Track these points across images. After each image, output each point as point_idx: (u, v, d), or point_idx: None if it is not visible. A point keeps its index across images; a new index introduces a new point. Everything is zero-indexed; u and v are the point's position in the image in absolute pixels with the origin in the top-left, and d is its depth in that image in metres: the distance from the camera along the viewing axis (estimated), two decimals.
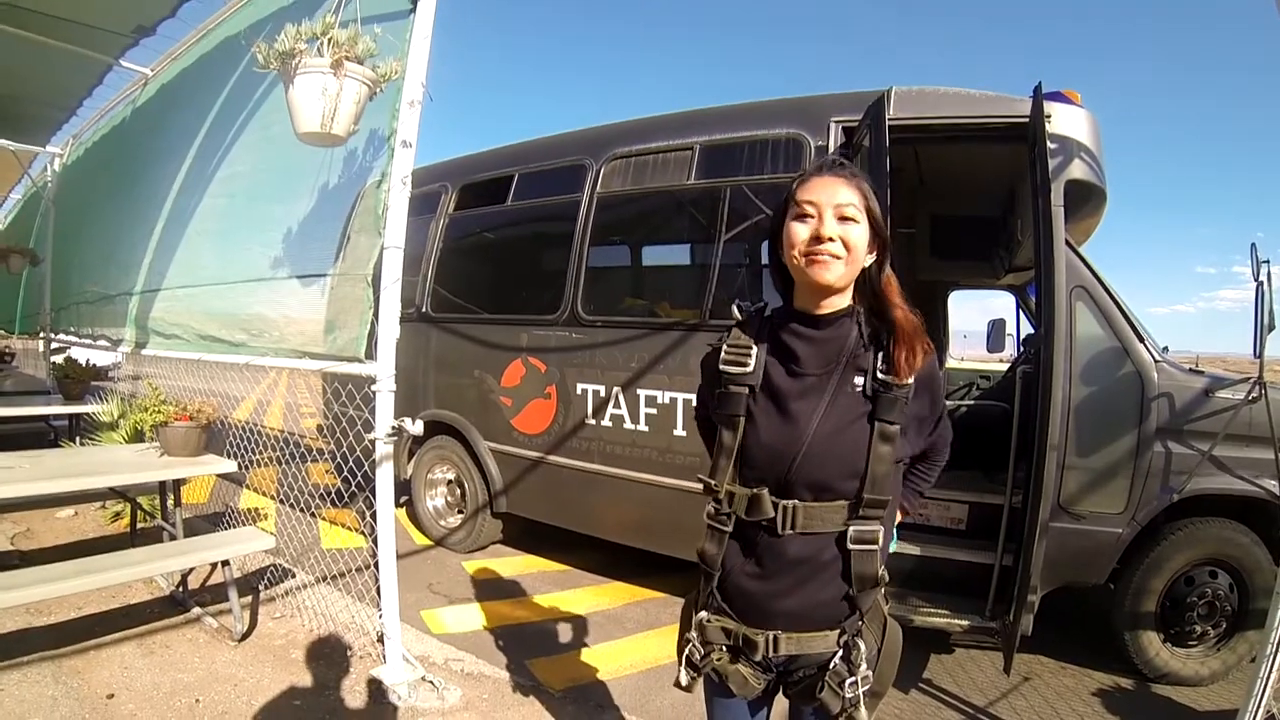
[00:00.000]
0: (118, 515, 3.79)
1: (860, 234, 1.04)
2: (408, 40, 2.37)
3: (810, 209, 1.04)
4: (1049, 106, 2.60)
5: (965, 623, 2.71)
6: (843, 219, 1.03)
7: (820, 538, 1.05)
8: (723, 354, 1.13)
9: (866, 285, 1.10)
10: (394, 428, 2.26)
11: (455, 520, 4.16)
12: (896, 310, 1.08)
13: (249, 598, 3.04)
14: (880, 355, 1.06)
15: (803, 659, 1.10)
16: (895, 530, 1.35)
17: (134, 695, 2.27)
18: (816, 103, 3.03)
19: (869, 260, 1.07)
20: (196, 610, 2.91)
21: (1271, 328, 2.71)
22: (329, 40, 2.30)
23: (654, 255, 3.96)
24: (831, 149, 2.86)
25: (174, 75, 3.82)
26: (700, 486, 1.14)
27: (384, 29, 2.44)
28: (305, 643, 2.72)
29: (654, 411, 3.18)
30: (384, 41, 2.41)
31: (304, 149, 2.55)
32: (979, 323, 4.29)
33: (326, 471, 5.29)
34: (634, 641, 3.05)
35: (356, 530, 3.74)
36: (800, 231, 1.04)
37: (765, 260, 1.17)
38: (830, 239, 1.01)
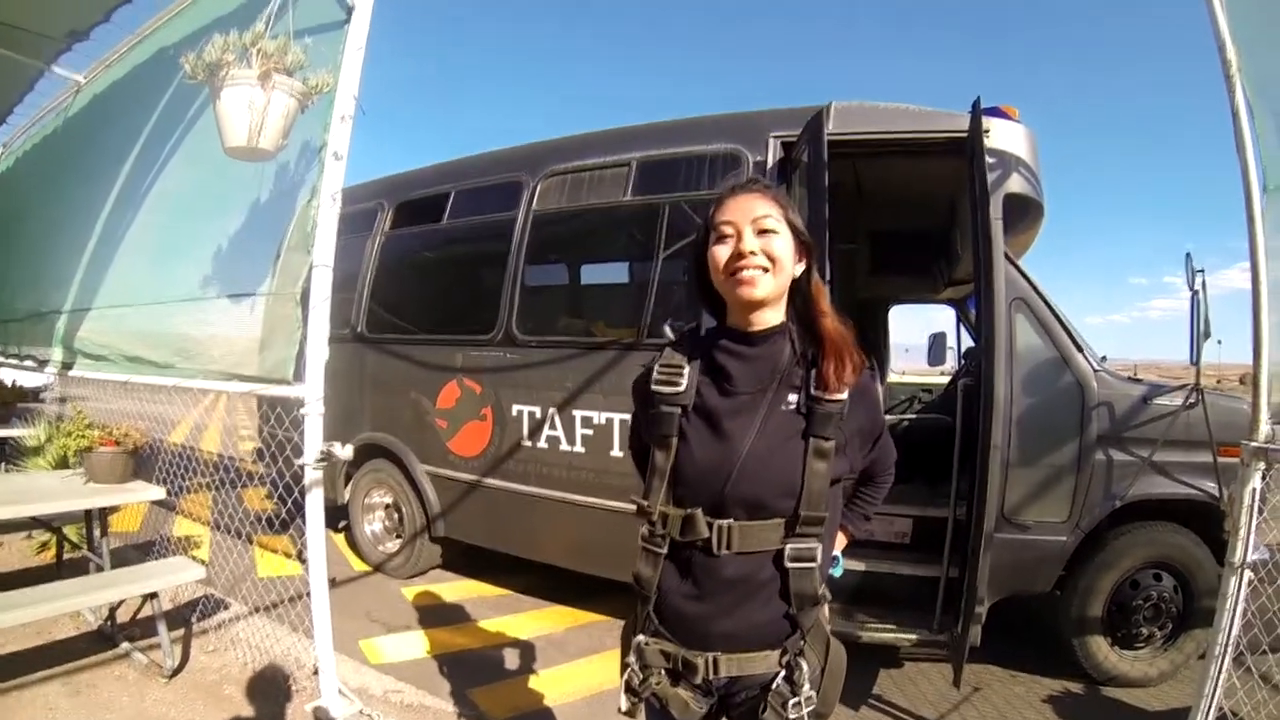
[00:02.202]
0: (44, 546, 3.61)
1: (783, 244, 1.04)
2: (341, 52, 2.30)
3: (729, 229, 1.04)
4: (987, 122, 2.65)
5: (913, 636, 2.72)
6: (762, 232, 1.03)
7: (757, 557, 1.04)
8: (654, 374, 1.12)
9: (797, 295, 1.10)
10: (323, 453, 2.17)
11: (394, 545, 4.07)
12: (825, 320, 1.08)
13: (180, 631, 2.92)
14: (813, 371, 1.06)
15: (744, 681, 1.08)
16: (840, 556, 1.32)
17: None
18: (755, 118, 3.03)
19: (798, 270, 1.08)
20: (125, 646, 2.79)
21: (1207, 335, 2.79)
22: (258, 51, 2.24)
23: (591, 273, 3.94)
24: (770, 164, 2.86)
25: (107, 85, 3.67)
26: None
27: (317, 40, 2.38)
28: (239, 678, 2.62)
29: (590, 432, 3.14)
30: (316, 53, 2.34)
31: (236, 164, 2.47)
32: (921, 336, 4.36)
33: (264, 496, 5.12)
34: (577, 667, 2.99)
35: (293, 557, 3.62)
36: (722, 253, 1.05)
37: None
38: (752, 252, 1.02)
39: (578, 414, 3.17)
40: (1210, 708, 1.93)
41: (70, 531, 3.32)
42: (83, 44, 3.70)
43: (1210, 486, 2.68)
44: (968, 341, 4.45)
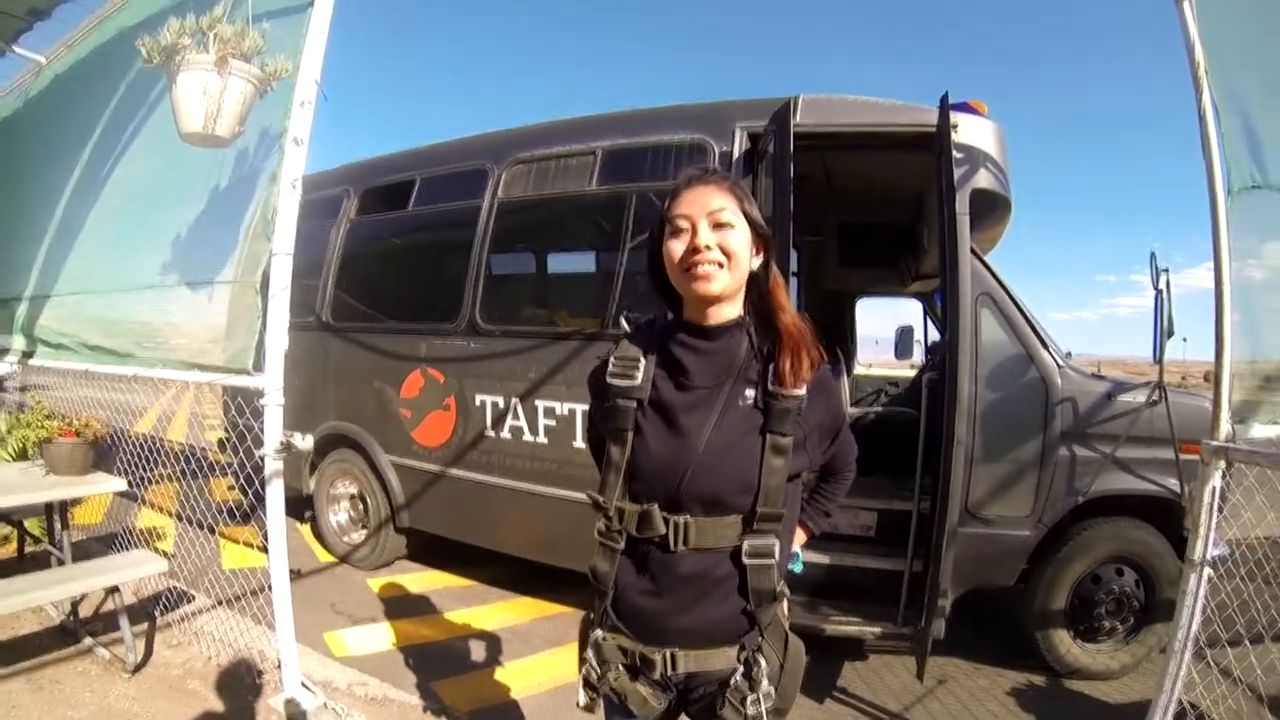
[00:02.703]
0: (5, 540, 3.54)
1: (739, 238, 1.02)
2: (303, 36, 2.26)
3: (684, 223, 1.02)
4: (955, 117, 2.65)
5: (877, 630, 2.74)
6: (718, 225, 1.01)
7: (714, 553, 1.03)
8: (610, 366, 1.10)
9: (754, 289, 1.08)
10: (283, 443, 2.15)
11: (359, 536, 4.05)
12: (784, 315, 1.07)
13: (144, 625, 2.87)
14: (771, 366, 1.04)
15: (702, 677, 1.07)
16: (799, 552, 1.32)
17: None
18: (721, 109, 3.02)
19: (756, 263, 1.06)
20: (88, 641, 2.74)
21: (1170, 334, 2.83)
22: (214, 36, 2.20)
23: (555, 263, 3.93)
24: (736, 155, 2.86)
25: (69, 65, 3.59)
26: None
27: (278, 25, 2.34)
28: (204, 671, 2.59)
29: (553, 423, 3.13)
30: (276, 38, 2.30)
31: (195, 150, 2.44)
32: (891, 329, 4.38)
33: (230, 487, 5.07)
34: (542, 659, 2.99)
35: (256, 548, 3.59)
36: (677, 247, 1.02)
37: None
38: (707, 247, 1.00)
39: (540, 404, 3.16)
40: (1170, 702, 1.96)
41: (31, 525, 3.27)
42: (45, 23, 3.63)
43: (1172, 483, 2.71)
44: (935, 335, 4.47)
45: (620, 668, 1.10)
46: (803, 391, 1.03)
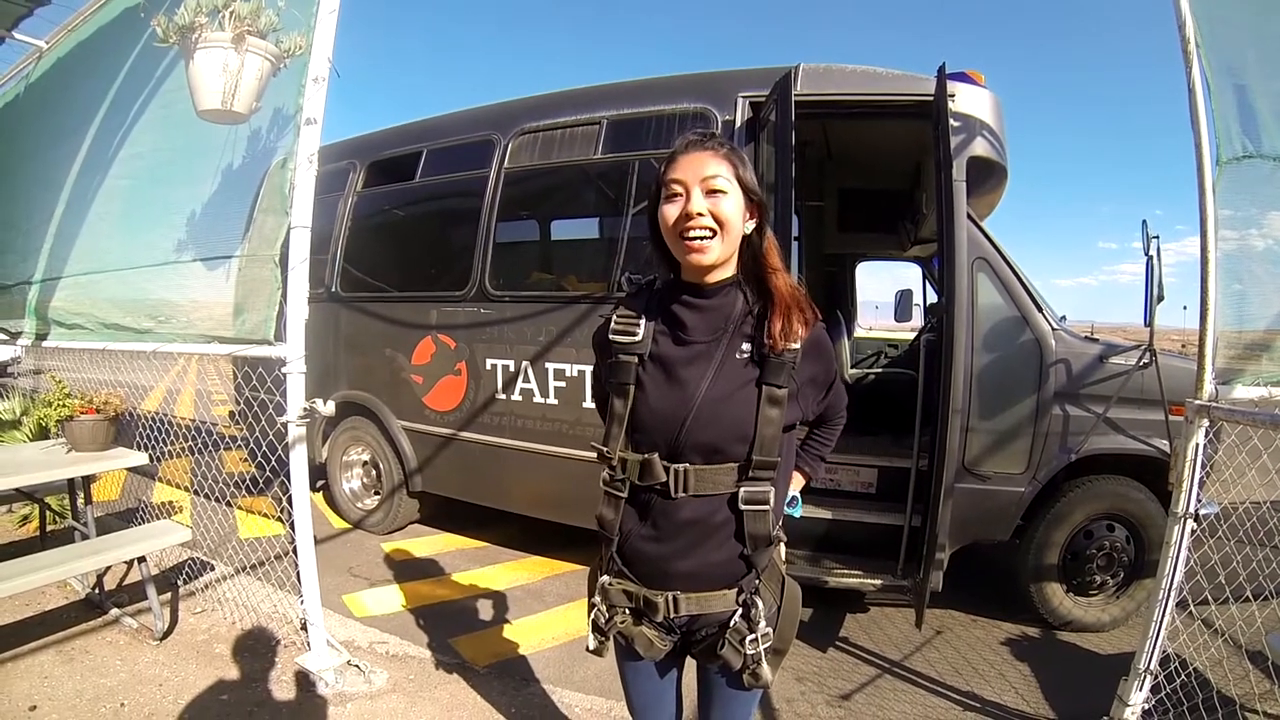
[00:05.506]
0: (26, 519, 3.61)
1: (732, 204, 1.04)
2: (314, 14, 2.30)
3: (678, 188, 1.05)
4: (953, 86, 2.69)
5: (878, 582, 2.82)
6: (711, 192, 1.03)
7: (712, 500, 1.07)
8: (612, 325, 1.15)
9: (747, 250, 1.11)
10: (306, 409, 2.22)
11: (372, 502, 4.13)
12: (776, 277, 1.10)
13: (168, 594, 2.95)
14: (765, 324, 1.08)
15: (704, 619, 1.12)
16: (799, 496, 1.38)
17: (57, 705, 2.19)
18: (724, 78, 3.06)
19: (749, 226, 1.09)
20: (115, 611, 2.81)
21: (1160, 299, 2.88)
22: (230, 14, 2.23)
23: (561, 229, 3.97)
24: (739, 123, 2.90)
25: (71, 48, 3.59)
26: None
27: (290, 2, 2.37)
28: (228, 636, 2.66)
29: (563, 385, 3.20)
30: (289, 16, 2.34)
31: (207, 127, 2.47)
32: (891, 294, 4.44)
33: (242, 459, 5.16)
34: (554, 615, 3.08)
35: (274, 517, 3.65)
36: (671, 212, 1.05)
37: None
38: (699, 214, 1.02)
39: (550, 367, 3.23)
40: (1154, 648, 2.06)
41: (52, 502, 3.32)
42: (44, 9, 3.62)
43: (1161, 443, 2.79)
44: (933, 298, 4.51)
45: (626, 612, 1.15)
46: (796, 346, 1.07)
